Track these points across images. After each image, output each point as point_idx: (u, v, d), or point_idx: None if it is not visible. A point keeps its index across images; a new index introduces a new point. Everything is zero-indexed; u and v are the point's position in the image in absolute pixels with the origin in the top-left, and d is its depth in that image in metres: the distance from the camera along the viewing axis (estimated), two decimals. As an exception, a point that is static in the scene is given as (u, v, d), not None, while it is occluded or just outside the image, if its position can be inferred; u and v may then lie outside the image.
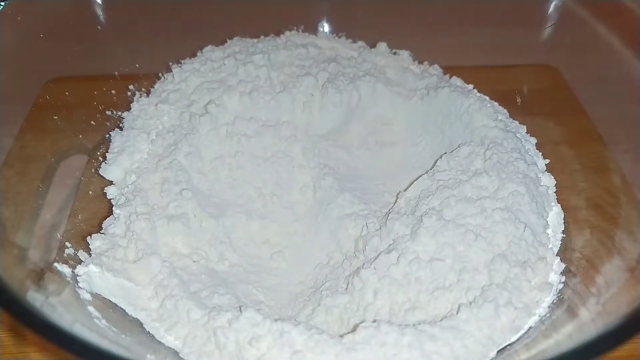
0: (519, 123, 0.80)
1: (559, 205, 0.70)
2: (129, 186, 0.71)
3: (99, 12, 0.87)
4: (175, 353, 0.56)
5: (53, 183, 0.72)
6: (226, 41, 0.90)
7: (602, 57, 0.79)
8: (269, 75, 0.83)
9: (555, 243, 0.66)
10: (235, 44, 0.89)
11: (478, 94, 0.82)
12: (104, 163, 0.74)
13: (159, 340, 0.56)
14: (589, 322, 0.54)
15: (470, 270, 0.59)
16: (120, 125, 0.79)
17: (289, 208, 0.70)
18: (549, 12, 0.87)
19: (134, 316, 0.58)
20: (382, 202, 0.72)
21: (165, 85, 0.84)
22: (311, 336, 0.53)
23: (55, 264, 0.60)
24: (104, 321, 0.54)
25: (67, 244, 0.63)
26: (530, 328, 0.57)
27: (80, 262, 0.61)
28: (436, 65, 0.89)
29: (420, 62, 0.90)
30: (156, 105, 0.80)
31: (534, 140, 0.78)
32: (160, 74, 0.86)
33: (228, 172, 0.73)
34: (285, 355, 0.53)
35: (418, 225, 0.62)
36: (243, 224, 0.68)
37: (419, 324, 0.55)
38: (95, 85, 0.83)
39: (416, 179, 0.69)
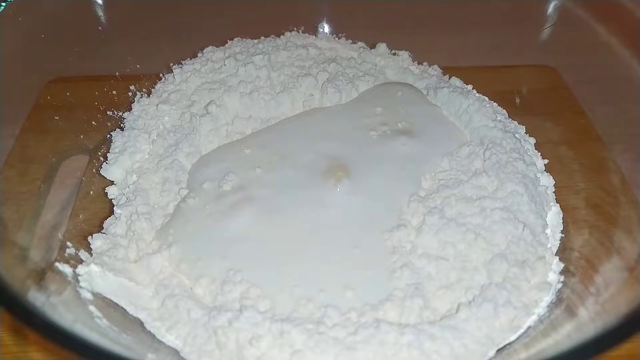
0: (518, 123, 0.80)
1: (558, 205, 0.70)
2: (130, 186, 0.71)
3: (100, 12, 0.87)
4: (176, 352, 0.56)
5: (54, 183, 0.73)
6: (227, 42, 0.91)
7: (601, 58, 0.79)
8: (269, 76, 0.83)
9: (554, 243, 0.66)
10: (236, 45, 0.90)
11: (477, 95, 0.82)
12: (105, 163, 0.74)
13: (160, 339, 0.57)
14: (587, 321, 0.54)
15: (470, 269, 0.59)
16: (121, 125, 0.80)
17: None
18: (548, 12, 0.87)
19: (134, 315, 0.58)
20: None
21: (166, 86, 0.84)
22: (311, 336, 0.54)
23: (57, 264, 0.60)
24: (105, 320, 0.54)
25: (68, 243, 0.64)
26: (529, 327, 0.57)
27: (81, 261, 0.61)
28: (435, 66, 0.89)
29: (420, 63, 0.90)
30: (157, 105, 0.80)
31: (532, 140, 0.78)
32: (161, 75, 0.87)
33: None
34: (285, 355, 0.53)
35: (421, 223, 0.62)
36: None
37: (419, 323, 0.55)
38: (96, 86, 0.83)
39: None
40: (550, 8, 0.87)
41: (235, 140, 0.76)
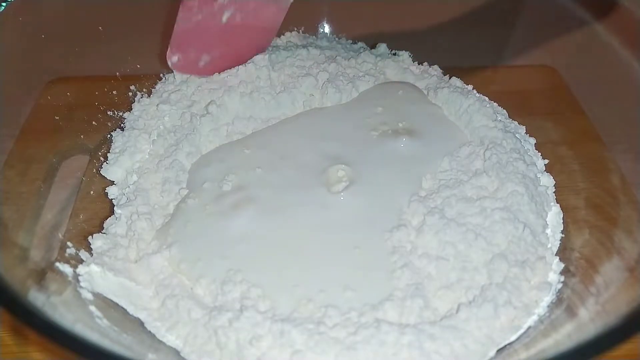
0: (518, 123, 0.80)
1: (558, 205, 0.70)
2: (130, 186, 0.71)
3: (100, 12, 0.87)
4: (176, 352, 0.56)
5: (54, 183, 0.73)
6: (227, 42, 0.90)
7: (601, 58, 0.79)
8: (270, 76, 0.83)
9: (554, 243, 0.66)
10: (236, 45, 0.90)
11: (477, 95, 0.82)
12: (105, 163, 0.74)
13: (160, 339, 0.57)
14: (588, 321, 0.54)
15: (470, 269, 0.59)
16: (122, 125, 0.80)
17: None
18: (549, 12, 0.87)
19: (135, 315, 0.58)
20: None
21: (166, 86, 0.84)
22: (311, 336, 0.54)
23: (57, 264, 0.60)
24: (105, 321, 0.54)
25: (69, 243, 0.64)
26: (529, 327, 0.57)
27: (81, 261, 0.61)
28: (436, 66, 0.89)
29: (420, 63, 0.90)
30: (157, 105, 0.80)
31: (533, 140, 0.78)
32: (161, 75, 0.86)
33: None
34: (286, 355, 0.53)
35: (422, 223, 0.62)
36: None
37: (419, 323, 0.55)
38: (96, 86, 0.83)
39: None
40: (551, 8, 0.87)
41: (236, 140, 0.76)
